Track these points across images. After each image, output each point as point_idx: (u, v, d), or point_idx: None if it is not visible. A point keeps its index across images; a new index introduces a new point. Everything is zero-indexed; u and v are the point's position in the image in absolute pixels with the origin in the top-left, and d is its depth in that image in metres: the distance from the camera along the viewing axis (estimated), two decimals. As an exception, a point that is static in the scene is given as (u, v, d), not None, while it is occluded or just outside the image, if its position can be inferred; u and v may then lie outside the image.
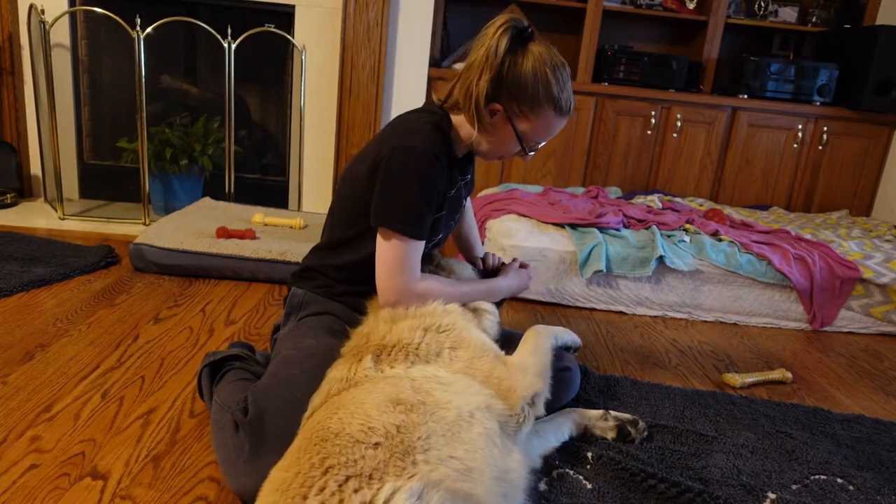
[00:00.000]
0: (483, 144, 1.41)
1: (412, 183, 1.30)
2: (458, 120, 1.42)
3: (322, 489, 0.86)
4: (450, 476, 0.91)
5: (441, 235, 1.49)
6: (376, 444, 0.93)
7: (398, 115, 1.47)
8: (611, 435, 1.48)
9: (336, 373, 1.17)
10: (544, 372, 1.27)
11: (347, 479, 0.87)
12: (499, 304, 1.55)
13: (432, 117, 1.40)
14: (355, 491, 0.86)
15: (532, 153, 1.42)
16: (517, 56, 1.30)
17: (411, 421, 0.98)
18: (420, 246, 1.34)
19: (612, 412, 1.52)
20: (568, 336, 1.50)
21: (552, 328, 1.44)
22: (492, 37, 1.30)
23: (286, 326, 1.50)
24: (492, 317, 1.44)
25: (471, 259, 1.72)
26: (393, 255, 1.31)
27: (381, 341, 1.20)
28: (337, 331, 1.41)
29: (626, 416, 1.51)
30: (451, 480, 0.90)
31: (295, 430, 1.11)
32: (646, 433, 1.50)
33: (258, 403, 1.21)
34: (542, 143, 1.41)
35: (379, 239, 1.33)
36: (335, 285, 1.48)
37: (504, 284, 1.54)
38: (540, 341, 1.36)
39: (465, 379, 1.14)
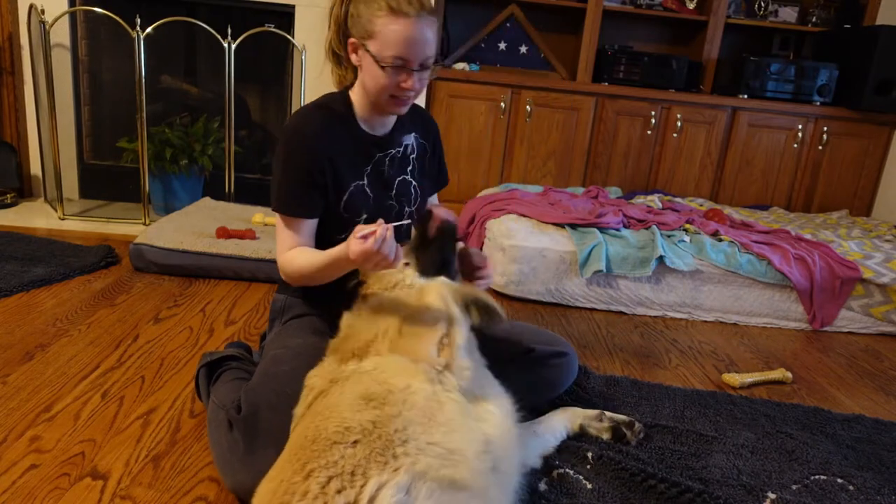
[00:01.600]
0: (364, 88, 1.37)
1: (279, 162, 1.37)
2: (356, 87, 1.42)
3: (305, 494, 0.85)
4: (433, 465, 0.90)
5: (366, 216, 1.43)
6: (355, 442, 0.92)
7: None
8: (606, 436, 1.48)
9: (311, 380, 1.17)
10: (443, 307, 1.17)
11: (329, 479, 0.87)
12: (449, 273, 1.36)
13: (321, 98, 1.43)
14: (338, 492, 0.85)
15: (407, 76, 1.31)
16: None
17: (386, 414, 0.97)
18: (297, 223, 1.38)
19: (608, 413, 1.51)
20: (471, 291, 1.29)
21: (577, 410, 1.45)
22: None
23: (272, 332, 1.50)
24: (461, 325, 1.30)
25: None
26: (277, 230, 1.41)
27: (340, 344, 1.20)
28: (321, 331, 1.42)
29: (623, 417, 1.51)
30: (434, 470, 0.90)
31: (287, 425, 1.11)
32: (642, 435, 1.50)
33: (250, 400, 1.21)
34: (411, 60, 1.30)
35: None
36: (315, 290, 1.47)
37: (337, 251, 1.25)
38: (428, 296, 1.23)
39: (394, 356, 1.11)
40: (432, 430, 0.96)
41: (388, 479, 0.86)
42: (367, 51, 1.31)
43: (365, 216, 1.44)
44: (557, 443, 1.43)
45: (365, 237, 1.14)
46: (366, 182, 1.43)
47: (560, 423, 1.47)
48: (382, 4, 1.28)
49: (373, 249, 1.14)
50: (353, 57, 1.36)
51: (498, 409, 1.11)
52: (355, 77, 1.42)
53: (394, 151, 1.49)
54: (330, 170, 1.38)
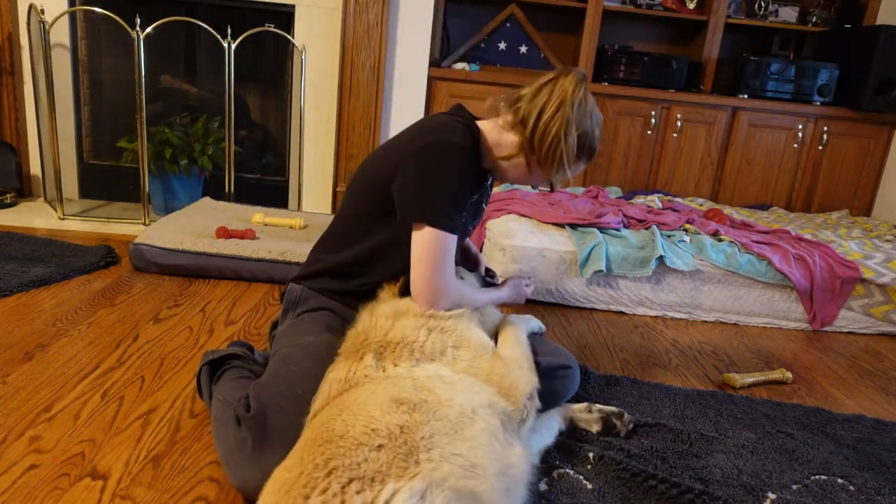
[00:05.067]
0: (506, 168, 1.44)
1: (450, 177, 1.30)
2: (492, 136, 1.44)
3: (325, 490, 0.86)
4: (454, 473, 0.91)
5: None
6: (380, 447, 0.93)
7: (425, 117, 1.49)
8: (595, 428, 1.49)
9: (335, 373, 1.17)
10: (532, 365, 1.29)
11: (351, 480, 0.88)
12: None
13: (465, 121, 1.42)
14: (357, 493, 0.86)
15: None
16: (577, 105, 1.37)
17: (414, 420, 0.98)
18: (456, 242, 1.33)
19: (596, 405, 1.53)
20: (535, 323, 1.61)
21: (522, 317, 1.51)
22: (573, 94, 1.37)
23: (284, 323, 1.50)
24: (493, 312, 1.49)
25: (471, 258, 1.75)
26: (434, 252, 1.28)
27: (383, 338, 1.20)
28: (335, 327, 1.41)
29: (611, 408, 1.53)
30: (454, 478, 0.90)
31: (297, 426, 1.11)
32: (631, 426, 1.52)
33: (260, 400, 1.21)
34: None
35: (416, 236, 1.29)
36: (335, 284, 1.48)
37: (504, 294, 1.60)
38: (519, 333, 1.38)
39: (469, 378, 1.14)
40: (458, 442, 0.97)
41: (404, 484, 0.87)
42: (547, 171, 1.40)
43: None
44: (553, 438, 1.43)
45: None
46: (468, 209, 1.45)
47: (554, 418, 1.47)
48: (589, 157, 1.43)
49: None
50: (516, 157, 1.40)
51: (520, 444, 1.12)
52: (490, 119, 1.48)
53: (489, 183, 1.56)
54: (470, 196, 1.42)
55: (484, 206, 1.60)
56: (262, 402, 1.20)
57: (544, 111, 1.36)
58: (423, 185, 1.30)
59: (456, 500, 0.87)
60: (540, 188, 1.57)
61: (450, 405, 1.04)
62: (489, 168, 1.48)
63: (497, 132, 1.44)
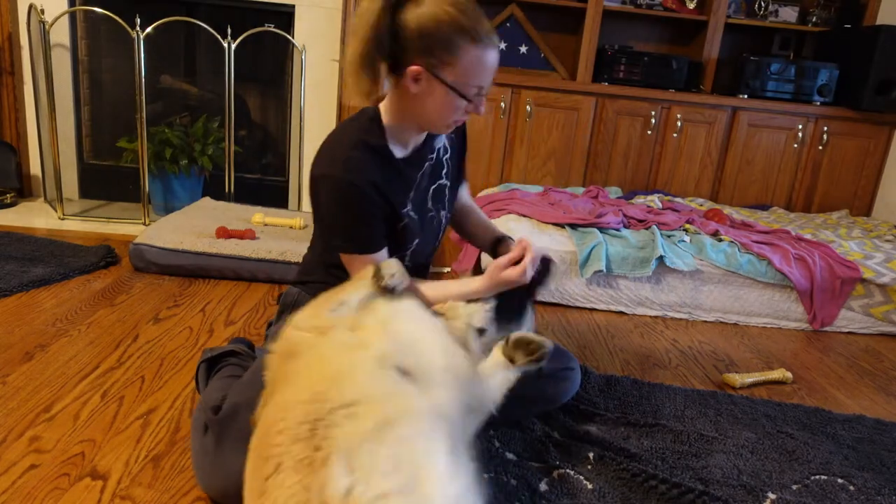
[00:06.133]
0: (427, 116, 1.30)
1: (336, 211, 1.31)
2: (395, 109, 1.32)
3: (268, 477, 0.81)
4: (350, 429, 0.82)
5: (418, 240, 1.43)
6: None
7: (333, 131, 1.40)
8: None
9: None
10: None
11: (278, 467, 0.81)
12: (528, 304, 1.43)
13: (352, 131, 1.33)
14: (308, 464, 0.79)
15: (480, 101, 1.29)
16: (408, 9, 1.20)
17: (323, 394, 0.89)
18: (373, 257, 1.32)
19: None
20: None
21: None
22: (369, 5, 1.20)
23: (278, 324, 1.50)
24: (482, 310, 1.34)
25: (493, 242, 1.61)
26: (355, 269, 1.34)
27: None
28: None
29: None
30: (361, 430, 0.81)
31: None
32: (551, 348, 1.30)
33: (234, 398, 1.21)
34: (485, 87, 1.28)
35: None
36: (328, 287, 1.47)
37: (474, 287, 1.37)
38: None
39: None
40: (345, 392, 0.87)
41: (325, 472, 0.77)
42: (442, 81, 1.23)
43: (417, 240, 1.43)
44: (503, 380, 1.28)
45: (516, 264, 1.32)
46: (410, 208, 1.40)
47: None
48: (466, 36, 1.20)
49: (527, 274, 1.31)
50: (412, 85, 1.24)
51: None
52: (378, 92, 1.29)
53: (427, 164, 1.44)
54: (387, 206, 1.35)
55: (446, 183, 1.48)
56: (235, 402, 1.19)
57: (380, 24, 1.19)
58: (322, 218, 1.36)
59: (375, 438, 0.80)
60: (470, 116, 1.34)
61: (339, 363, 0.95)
62: (418, 132, 1.37)
63: (393, 95, 1.31)
